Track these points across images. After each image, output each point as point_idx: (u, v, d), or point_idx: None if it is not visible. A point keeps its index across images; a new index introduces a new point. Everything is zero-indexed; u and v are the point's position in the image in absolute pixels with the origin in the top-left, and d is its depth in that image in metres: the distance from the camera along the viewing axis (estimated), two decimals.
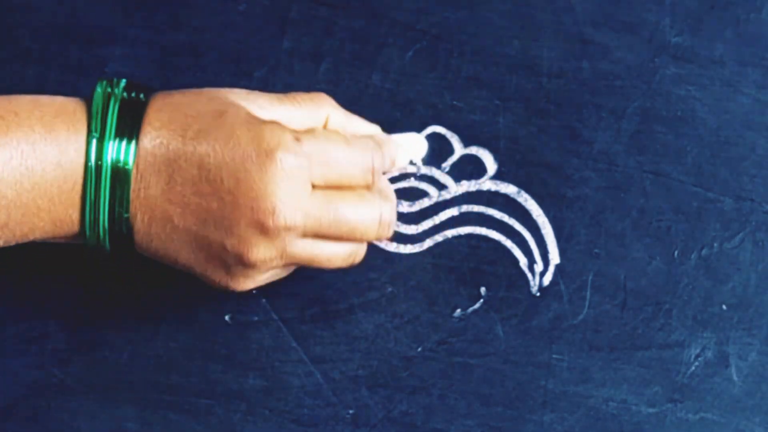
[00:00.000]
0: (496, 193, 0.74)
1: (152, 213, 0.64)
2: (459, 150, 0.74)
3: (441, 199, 0.74)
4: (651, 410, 0.72)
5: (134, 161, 0.63)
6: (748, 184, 0.74)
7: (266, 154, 0.63)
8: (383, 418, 0.71)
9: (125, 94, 0.64)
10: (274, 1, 0.75)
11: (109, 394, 0.71)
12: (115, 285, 0.72)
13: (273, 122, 0.64)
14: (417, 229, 0.73)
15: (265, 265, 0.65)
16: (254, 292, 0.72)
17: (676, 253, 0.73)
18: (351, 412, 0.71)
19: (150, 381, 0.71)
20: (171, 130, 0.64)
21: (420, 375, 0.72)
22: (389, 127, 0.72)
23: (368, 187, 0.67)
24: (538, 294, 0.73)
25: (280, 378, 0.72)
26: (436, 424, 0.71)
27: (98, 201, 0.63)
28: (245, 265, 0.64)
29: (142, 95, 0.64)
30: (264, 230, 0.63)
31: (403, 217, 0.74)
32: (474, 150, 0.74)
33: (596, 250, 0.73)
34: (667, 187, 0.74)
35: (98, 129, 0.63)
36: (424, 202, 0.74)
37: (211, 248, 0.64)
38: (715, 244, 0.74)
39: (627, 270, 0.73)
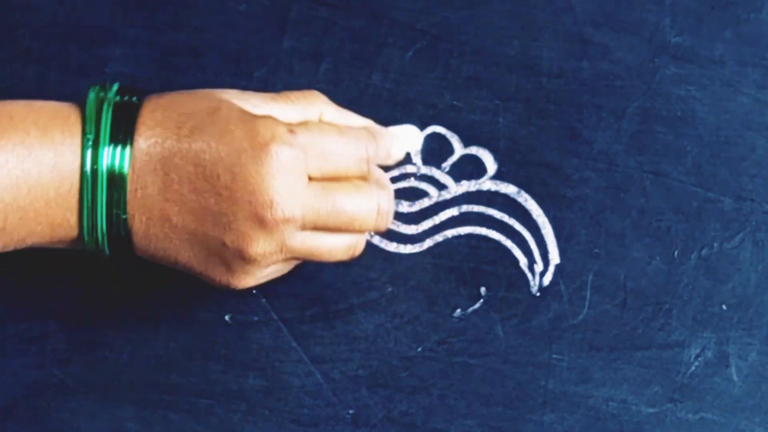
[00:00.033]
0: (496, 193, 0.74)
1: (150, 213, 0.64)
2: (459, 150, 0.74)
3: (441, 199, 0.74)
4: (651, 410, 0.72)
5: (130, 165, 0.63)
6: (748, 184, 0.74)
7: (261, 148, 0.63)
8: (383, 418, 0.71)
9: (118, 97, 0.64)
10: (274, 1, 0.75)
11: (109, 394, 0.71)
12: (115, 285, 0.72)
13: (267, 116, 0.65)
14: (417, 229, 0.73)
15: (265, 260, 0.65)
16: (254, 291, 0.72)
17: (676, 253, 0.73)
18: (351, 412, 0.71)
19: (150, 381, 0.71)
20: (165, 128, 0.64)
21: (420, 375, 0.72)
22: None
23: (364, 178, 0.67)
24: (538, 294, 0.73)
25: (280, 378, 0.72)
26: (436, 424, 0.71)
27: (95, 205, 0.63)
28: (245, 260, 0.64)
29: (135, 98, 0.64)
30: (263, 224, 0.63)
31: (403, 217, 0.74)
32: (474, 150, 0.74)
33: (596, 250, 0.73)
34: (667, 187, 0.74)
35: (92, 134, 0.63)
36: (424, 202, 0.74)
37: (211, 245, 0.64)
38: (715, 244, 0.74)
39: (627, 270, 0.73)
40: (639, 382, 0.72)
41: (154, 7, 0.75)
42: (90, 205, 0.63)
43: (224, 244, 0.64)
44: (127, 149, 0.63)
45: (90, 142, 0.63)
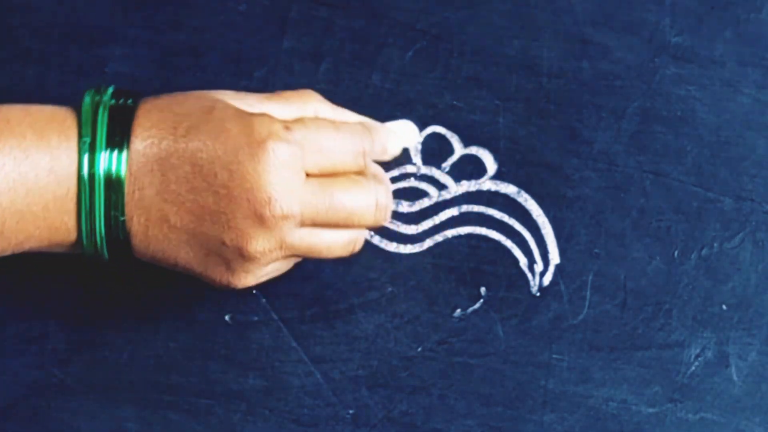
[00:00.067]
0: (496, 193, 0.74)
1: (148, 214, 0.64)
2: (459, 150, 0.74)
3: (441, 199, 0.74)
4: (651, 410, 0.72)
5: (127, 167, 0.63)
6: (748, 184, 0.74)
7: (258, 145, 0.63)
8: (383, 418, 0.71)
9: (113, 100, 0.64)
10: (274, 1, 0.75)
11: (109, 394, 0.71)
12: (115, 285, 0.72)
13: (262, 114, 0.65)
14: (417, 229, 0.74)
15: (265, 258, 0.65)
16: (254, 291, 0.72)
17: (676, 253, 0.73)
18: (351, 412, 0.71)
19: (150, 381, 0.71)
20: (161, 129, 0.64)
21: (420, 375, 0.72)
22: None
23: (361, 173, 0.67)
24: (538, 294, 0.73)
25: (280, 378, 0.72)
26: (436, 424, 0.71)
27: (93, 209, 0.63)
28: (245, 258, 0.64)
29: (130, 100, 0.64)
30: (261, 221, 0.63)
31: (403, 217, 0.74)
32: (474, 150, 0.74)
33: (596, 250, 0.73)
34: (667, 187, 0.74)
35: (89, 137, 0.63)
36: (424, 202, 0.74)
37: (210, 245, 0.64)
38: (715, 244, 0.74)
39: (627, 270, 0.73)
40: (639, 382, 0.72)
41: (154, 7, 0.75)
42: (88, 208, 0.63)
43: (223, 243, 0.64)
44: (124, 153, 0.63)
45: (86, 145, 0.63)
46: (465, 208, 0.74)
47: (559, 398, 0.72)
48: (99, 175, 0.63)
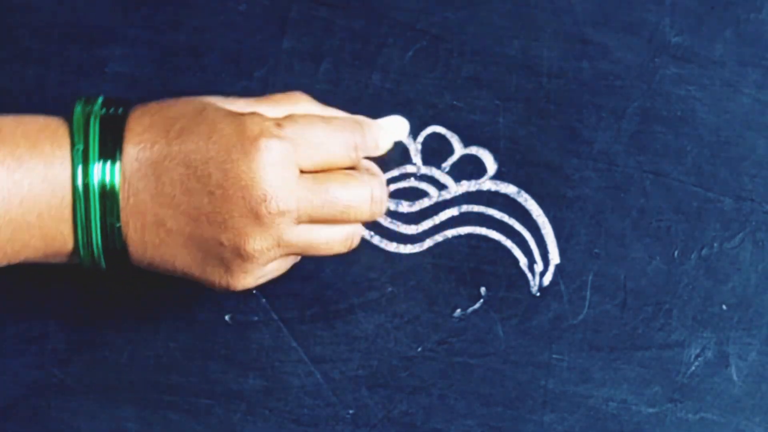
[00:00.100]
0: (496, 193, 0.74)
1: (144, 219, 0.64)
2: (459, 150, 0.74)
3: (441, 199, 0.74)
4: (651, 410, 0.72)
5: (120, 175, 0.63)
6: (748, 184, 0.74)
7: (251, 142, 0.63)
8: (383, 418, 0.71)
9: (104, 110, 0.64)
10: (274, 1, 0.75)
11: (109, 394, 0.71)
12: (115, 285, 0.72)
13: (253, 113, 0.65)
14: (417, 229, 0.73)
15: (263, 256, 0.64)
16: (254, 291, 0.72)
17: (676, 253, 0.73)
18: (351, 412, 0.71)
19: (150, 381, 0.71)
20: (153, 133, 0.64)
21: (420, 375, 0.72)
22: None
23: (354, 167, 0.67)
24: (538, 294, 0.73)
25: (280, 378, 0.72)
26: (436, 424, 0.71)
27: (89, 218, 0.63)
28: (243, 257, 0.64)
29: (120, 109, 0.65)
30: (258, 219, 0.63)
31: (403, 217, 0.74)
32: (474, 150, 0.74)
33: (596, 250, 0.73)
34: (667, 187, 0.74)
35: (82, 144, 0.63)
36: (424, 202, 0.74)
37: (208, 246, 0.64)
38: (715, 244, 0.74)
39: (627, 270, 0.73)
40: (639, 382, 0.72)
41: (154, 7, 0.75)
42: (83, 218, 0.63)
43: (221, 244, 0.64)
44: (117, 163, 0.63)
45: (80, 153, 0.63)
46: (465, 208, 0.74)
47: (559, 398, 0.72)
48: (93, 185, 0.63)
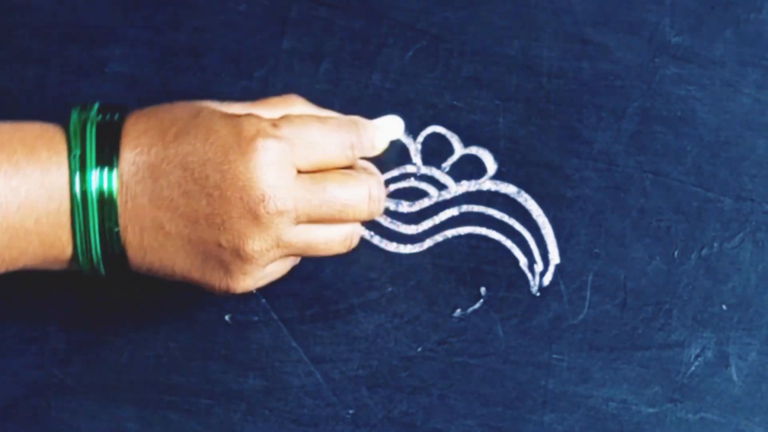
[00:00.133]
0: (496, 193, 0.74)
1: (142, 223, 0.64)
2: (459, 150, 0.74)
3: (441, 199, 0.74)
4: (651, 410, 0.72)
5: (118, 181, 0.63)
6: (748, 184, 0.74)
7: (247, 143, 0.63)
8: (383, 418, 0.71)
9: (100, 116, 0.64)
10: (274, 1, 0.75)
11: (109, 394, 0.71)
12: (115, 286, 0.72)
13: (249, 114, 0.65)
14: (417, 229, 0.73)
15: (262, 257, 0.64)
16: (254, 291, 0.72)
17: (676, 253, 0.73)
18: (351, 412, 0.71)
19: (150, 381, 0.71)
20: (150, 136, 0.64)
21: (420, 375, 0.72)
22: None
23: (351, 167, 0.68)
24: (538, 294, 0.73)
25: (280, 378, 0.72)
26: (436, 424, 0.71)
27: (88, 226, 0.63)
28: (243, 259, 0.64)
29: (116, 115, 0.65)
30: (257, 219, 0.63)
31: (403, 217, 0.74)
32: (474, 150, 0.74)
33: (596, 250, 0.73)
34: (667, 187, 0.74)
35: (79, 152, 0.63)
36: (424, 202, 0.74)
37: (207, 249, 0.64)
38: (715, 244, 0.74)
39: (627, 270, 0.73)
40: (639, 382, 0.72)
41: (154, 7, 0.75)
42: (82, 224, 0.63)
43: (220, 245, 0.64)
44: (114, 170, 0.63)
45: (77, 159, 0.63)
46: (465, 208, 0.74)
47: (559, 398, 0.72)
48: (91, 192, 0.63)
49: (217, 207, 0.63)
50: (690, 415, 0.72)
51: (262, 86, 0.74)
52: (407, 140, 0.74)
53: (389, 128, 0.72)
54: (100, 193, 0.63)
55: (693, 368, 0.72)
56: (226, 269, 0.65)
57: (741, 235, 0.74)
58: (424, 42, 0.75)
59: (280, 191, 0.64)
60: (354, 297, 0.72)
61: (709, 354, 0.72)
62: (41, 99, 0.74)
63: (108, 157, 0.63)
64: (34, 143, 0.63)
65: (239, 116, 0.65)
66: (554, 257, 0.73)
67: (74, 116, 0.64)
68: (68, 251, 0.64)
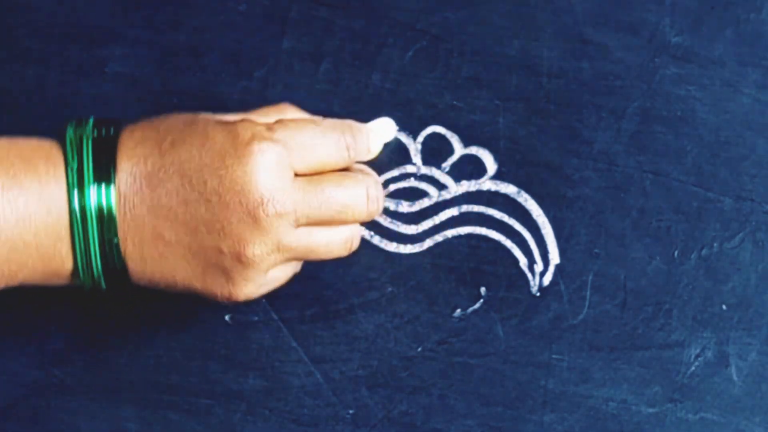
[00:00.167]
0: (496, 193, 0.74)
1: (142, 233, 0.64)
2: (459, 150, 0.74)
3: (441, 199, 0.74)
4: (651, 410, 0.72)
5: (116, 193, 0.63)
6: (748, 184, 0.74)
7: (244, 147, 0.63)
8: (383, 418, 0.71)
9: (95, 132, 0.64)
10: (274, 1, 0.75)
11: (109, 394, 0.71)
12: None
13: (243, 119, 0.65)
14: (417, 229, 0.73)
15: (264, 262, 0.64)
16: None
17: (676, 253, 0.73)
18: (351, 412, 0.71)
19: (150, 381, 0.71)
20: (146, 146, 0.64)
21: (420, 375, 0.72)
22: None
23: (348, 168, 0.68)
24: (538, 294, 0.73)
25: (280, 378, 0.72)
26: (436, 424, 0.71)
27: (87, 240, 0.63)
28: (244, 264, 0.64)
29: (111, 130, 0.65)
30: (257, 222, 0.63)
31: (403, 217, 0.74)
32: (474, 150, 0.74)
33: (596, 250, 0.73)
34: (667, 187, 0.74)
35: (76, 165, 0.63)
36: (424, 202, 0.74)
37: (208, 256, 0.64)
38: (715, 244, 0.74)
39: (627, 270, 0.73)
40: (639, 382, 0.72)
41: (154, 7, 0.75)
42: (82, 239, 0.63)
43: (221, 251, 0.64)
44: (112, 185, 0.63)
45: (74, 172, 0.63)
46: (465, 208, 0.74)
47: (559, 398, 0.72)
48: (90, 208, 0.63)
49: (217, 213, 0.63)
50: (690, 415, 0.72)
51: (262, 86, 0.74)
52: (407, 140, 0.74)
53: (382, 131, 0.72)
54: (99, 209, 0.63)
55: (693, 368, 0.72)
56: (227, 276, 0.65)
57: (741, 235, 0.74)
58: (424, 42, 0.75)
59: (279, 193, 0.64)
60: (354, 297, 0.72)
61: (709, 354, 0.72)
62: (41, 99, 0.74)
63: (105, 172, 0.63)
64: (31, 156, 0.63)
65: (234, 122, 0.65)
66: (554, 257, 0.73)
67: (70, 132, 0.64)
68: (68, 265, 0.64)
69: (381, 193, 0.69)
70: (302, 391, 0.71)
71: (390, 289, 0.73)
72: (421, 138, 0.74)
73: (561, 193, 0.74)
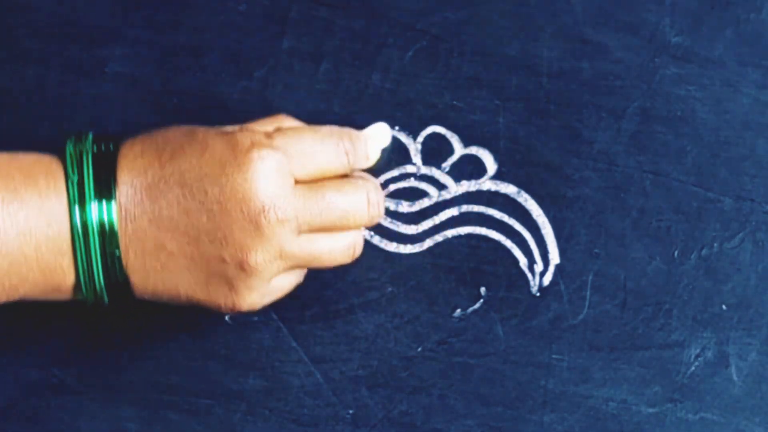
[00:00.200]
0: (496, 193, 0.74)
1: (144, 245, 0.63)
2: (459, 150, 0.74)
3: (441, 199, 0.74)
4: (651, 410, 0.72)
5: (117, 206, 0.63)
6: (748, 184, 0.74)
7: (243, 154, 0.63)
8: (383, 418, 0.71)
9: (95, 147, 0.64)
10: (274, 1, 0.75)
11: (109, 394, 0.71)
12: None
13: (242, 128, 0.65)
14: (417, 229, 0.73)
15: (266, 269, 0.64)
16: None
17: (676, 253, 0.73)
18: (351, 412, 0.71)
19: (150, 381, 0.71)
20: (146, 158, 0.64)
21: (420, 375, 0.72)
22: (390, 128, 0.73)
23: (347, 174, 0.68)
24: (538, 294, 0.73)
25: (280, 378, 0.72)
26: (436, 424, 0.71)
27: (89, 254, 0.63)
28: (247, 272, 0.64)
29: (111, 145, 0.65)
30: (259, 230, 0.63)
31: (403, 217, 0.74)
32: (474, 150, 0.74)
33: (596, 250, 0.73)
34: (667, 187, 0.74)
35: (76, 178, 0.63)
36: (424, 202, 0.74)
37: (210, 266, 0.64)
38: (715, 244, 0.73)
39: (627, 270, 0.73)
40: (639, 382, 0.72)
41: (154, 7, 0.75)
42: (84, 254, 0.63)
43: (223, 261, 0.64)
44: (113, 201, 0.63)
45: (75, 186, 0.63)
46: (465, 208, 0.74)
47: (559, 398, 0.72)
48: (92, 223, 0.63)
49: (218, 221, 0.63)
50: (690, 415, 0.72)
51: (262, 86, 0.74)
52: (407, 140, 0.74)
53: (379, 136, 0.72)
54: (101, 224, 0.63)
55: (693, 368, 0.72)
56: (230, 285, 0.64)
57: (741, 235, 0.74)
58: (424, 42, 0.75)
59: (280, 200, 0.64)
60: (354, 297, 0.72)
61: (709, 354, 0.72)
62: (41, 99, 0.74)
63: (106, 187, 0.63)
64: (31, 169, 0.63)
65: (233, 131, 0.65)
66: (554, 257, 0.73)
67: (69, 148, 0.64)
68: (70, 279, 0.64)
69: (382, 197, 0.69)
70: (302, 391, 0.71)
71: (390, 289, 0.73)
72: (421, 138, 0.74)
73: (561, 193, 0.74)
